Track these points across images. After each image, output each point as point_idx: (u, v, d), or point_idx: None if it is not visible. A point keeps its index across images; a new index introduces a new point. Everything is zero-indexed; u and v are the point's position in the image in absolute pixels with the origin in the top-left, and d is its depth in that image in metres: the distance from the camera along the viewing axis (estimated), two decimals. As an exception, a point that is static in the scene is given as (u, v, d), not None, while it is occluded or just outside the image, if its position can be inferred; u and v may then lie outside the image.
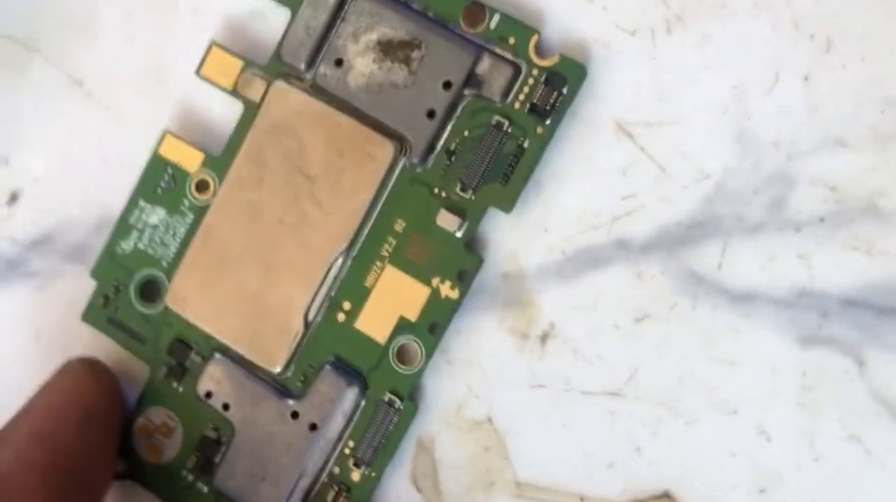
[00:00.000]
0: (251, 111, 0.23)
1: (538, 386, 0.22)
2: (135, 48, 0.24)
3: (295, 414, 0.22)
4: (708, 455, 0.21)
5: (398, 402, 0.21)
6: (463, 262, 0.21)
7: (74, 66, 0.25)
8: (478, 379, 0.22)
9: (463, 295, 0.21)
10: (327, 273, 0.22)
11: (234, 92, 0.23)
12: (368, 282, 0.22)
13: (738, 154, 0.21)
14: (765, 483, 0.21)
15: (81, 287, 0.24)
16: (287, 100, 0.22)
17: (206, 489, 0.22)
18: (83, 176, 0.24)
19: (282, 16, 0.23)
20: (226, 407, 0.22)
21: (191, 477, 0.22)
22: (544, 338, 0.22)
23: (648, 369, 0.21)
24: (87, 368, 0.23)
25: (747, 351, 0.21)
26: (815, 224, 0.21)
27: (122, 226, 0.23)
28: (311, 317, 0.22)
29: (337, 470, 0.22)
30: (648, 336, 0.21)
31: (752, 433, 0.21)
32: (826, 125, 0.21)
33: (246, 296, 0.22)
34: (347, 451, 0.22)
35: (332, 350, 0.22)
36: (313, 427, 0.22)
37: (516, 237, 0.22)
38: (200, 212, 0.23)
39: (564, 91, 0.21)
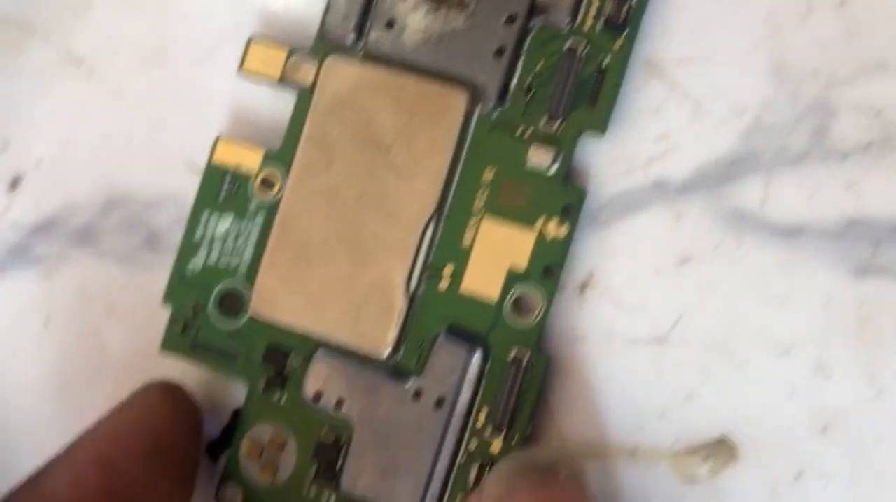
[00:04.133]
0: (305, 96, 0.22)
1: (579, 338, 0.21)
2: (134, 21, 0.23)
3: (417, 394, 0.20)
4: (764, 397, 0.20)
5: (526, 356, 0.20)
6: (565, 197, 0.20)
7: (73, 43, 0.24)
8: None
9: (572, 230, 0.20)
10: (421, 240, 0.20)
11: (284, 81, 0.22)
12: (466, 240, 0.20)
13: (775, 86, 0.20)
14: (826, 421, 0.20)
15: (90, 270, 0.23)
16: (343, 74, 0.21)
17: (333, 499, 0.20)
18: (86, 156, 0.23)
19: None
20: (339, 404, 0.20)
21: (314, 490, 0.21)
22: (582, 288, 0.21)
23: (694, 313, 0.20)
24: (165, 393, 0.21)
25: (798, 286, 0.20)
26: (861, 151, 0.20)
27: (188, 245, 0.22)
28: (412, 289, 0.20)
29: (474, 444, 0.20)
30: (692, 279, 0.20)
31: (808, 371, 0.20)
32: (865, 49, 0.20)
33: (338, 284, 0.21)
34: (482, 422, 0.20)
35: (442, 319, 0.20)
36: (439, 403, 0.20)
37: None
38: (271, 210, 0.21)
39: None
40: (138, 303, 0.23)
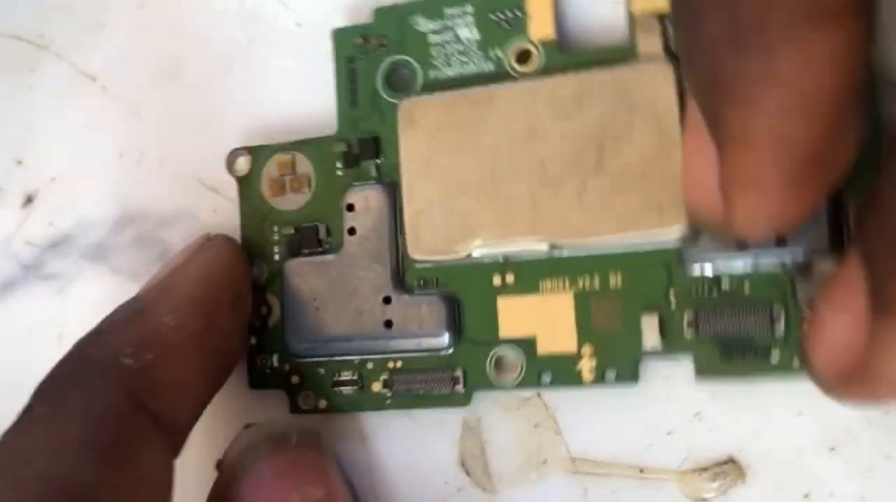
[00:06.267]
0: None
1: (588, 355, 0.20)
2: (147, 38, 0.24)
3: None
4: (772, 416, 0.19)
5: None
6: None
7: (87, 61, 0.24)
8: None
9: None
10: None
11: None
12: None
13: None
14: (834, 440, 0.19)
15: (103, 287, 0.23)
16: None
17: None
18: (100, 173, 0.24)
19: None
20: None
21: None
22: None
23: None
24: (231, 244, 0.21)
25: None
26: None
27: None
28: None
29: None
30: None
31: (817, 389, 0.19)
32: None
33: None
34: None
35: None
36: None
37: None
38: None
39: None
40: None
